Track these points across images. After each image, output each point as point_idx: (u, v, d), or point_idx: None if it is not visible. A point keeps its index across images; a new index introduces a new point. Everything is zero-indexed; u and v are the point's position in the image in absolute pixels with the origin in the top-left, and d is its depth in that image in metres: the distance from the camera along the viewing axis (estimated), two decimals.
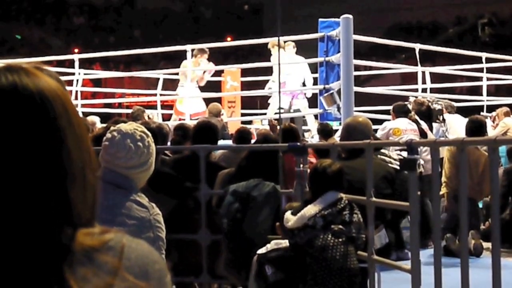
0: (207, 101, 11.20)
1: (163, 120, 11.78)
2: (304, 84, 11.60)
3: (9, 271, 0.87)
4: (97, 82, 23.69)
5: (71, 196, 0.93)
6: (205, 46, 11.57)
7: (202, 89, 11.77)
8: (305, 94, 11.64)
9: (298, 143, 5.45)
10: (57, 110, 0.94)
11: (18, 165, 0.90)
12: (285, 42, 11.48)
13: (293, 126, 6.91)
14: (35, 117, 0.92)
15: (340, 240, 3.94)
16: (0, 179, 0.89)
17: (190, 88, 11.34)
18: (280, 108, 6.61)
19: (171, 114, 13.73)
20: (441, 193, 7.32)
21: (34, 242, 0.89)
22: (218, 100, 11.82)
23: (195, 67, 11.27)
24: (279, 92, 6.64)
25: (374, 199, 4.34)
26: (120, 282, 0.91)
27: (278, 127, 7.07)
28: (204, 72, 11.44)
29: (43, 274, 0.88)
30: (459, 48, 13.82)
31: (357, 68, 10.78)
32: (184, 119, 10.71)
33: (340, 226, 3.97)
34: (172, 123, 9.77)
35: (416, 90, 11.98)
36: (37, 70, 0.97)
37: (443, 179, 7.43)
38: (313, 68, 11.48)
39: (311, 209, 4.01)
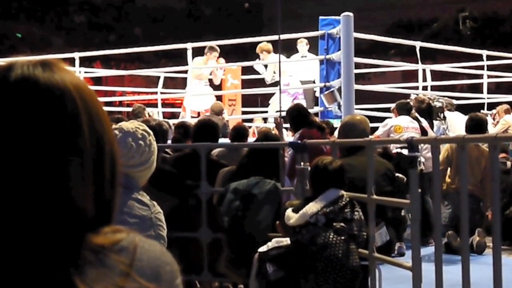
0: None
1: (164, 118, 11.78)
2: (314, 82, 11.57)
3: (14, 270, 0.86)
4: (97, 80, 23.66)
5: (79, 194, 0.91)
6: (206, 43, 11.56)
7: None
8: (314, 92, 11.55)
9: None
10: (68, 105, 0.92)
11: (22, 159, 0.88)
12: (297, 39, 11.48)
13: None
14: (39, 110, 0.90)
15: (342, 237, 3.94)
16: (4, 176, 0.88)
17: (197, 86, 11.36)
18: (280, 110, 6.61)
19: (172, 112, 13.74)
20: None
21: (42, 241, 0.87)
22: (219, 98, 11.81)
23: (204, 65, 11.30)
24: (280, 91, 6.66)
25: (374, 196, 4.35)
26: (130, 284, 0.90)
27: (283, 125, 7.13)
28: (217, 69, 11.48)
29: (50, 275, 0.87)
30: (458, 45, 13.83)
31: (358, 65, 10.76)
32: (195, 116, 10.75)
33: (342, 224, 3.97)
34: (173, 121, 9.78)
35: (416, 87, 11.98)
36: (60, 65, 0.96)
37: None
38: None
39: (313, 207, 4.01)
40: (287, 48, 11.78)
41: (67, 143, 0.91)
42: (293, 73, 11.37)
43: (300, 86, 11.33)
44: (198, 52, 11.54)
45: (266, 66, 11.63)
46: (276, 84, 11.80)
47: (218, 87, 12.55)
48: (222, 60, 11.61)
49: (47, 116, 0.90)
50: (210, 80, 11.71)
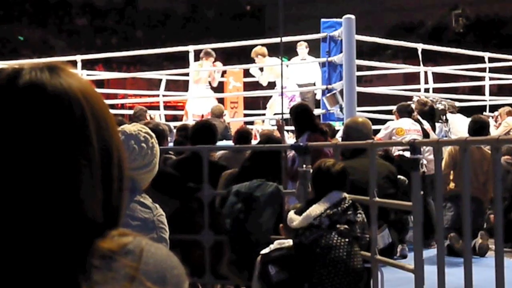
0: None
1: (166, 120, 11.79)
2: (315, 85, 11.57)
3: (22, 276, 0.86)
4: (99, 83, 23.68)
5: (89, 202, 0.91)
6: (207, 46, 11.57)
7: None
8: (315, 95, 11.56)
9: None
10: (76, 112, 0.92)
11: (31, 167, 0.88)
12: (297, 42, 11.49)
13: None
14: (46, 117, 0.90)
15: (346, 240, 3.94)
16: (13, 183, 0.87)
17: (197, 90, 11.38)
18: (282, 112, 6.60)
19: (174, 115, 13.73)
20: None
21: (51, 248, 0.87)
22: (221, 100, 11.82)
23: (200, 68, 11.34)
24: (281, 93, 6.66)
25: (377, 199, 4.35)
26: (137, 287, 0.90)
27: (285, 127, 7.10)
28: (214, 71, 11.52)
29: (57, 281, 0.86)
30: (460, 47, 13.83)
31: (360, 68, 10.76)
32: (196, 119, 10.76)
33: (346, 226, 3.97)
34: (175, 124, 9.79)
35: (418, 90, 11.97)
36: (67, 69, 0.95)
37: None
38: None
39: (316, 209, 4.00)
40: (288, 51, 11.78)
41: (75, 150, 0.91)
42: (290, 76, 11.37)
43: (298, 89, 11.34)
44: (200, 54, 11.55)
45: (261, 69, 11.66)
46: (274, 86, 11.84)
47: (220, 90, 12.55)
48: (219, 63, 11.64)
49: (54, 123, 0.90)
50: (211, 83, 11.72)
